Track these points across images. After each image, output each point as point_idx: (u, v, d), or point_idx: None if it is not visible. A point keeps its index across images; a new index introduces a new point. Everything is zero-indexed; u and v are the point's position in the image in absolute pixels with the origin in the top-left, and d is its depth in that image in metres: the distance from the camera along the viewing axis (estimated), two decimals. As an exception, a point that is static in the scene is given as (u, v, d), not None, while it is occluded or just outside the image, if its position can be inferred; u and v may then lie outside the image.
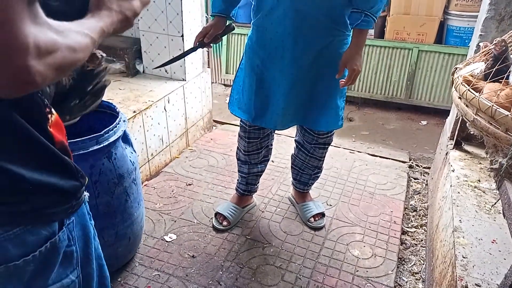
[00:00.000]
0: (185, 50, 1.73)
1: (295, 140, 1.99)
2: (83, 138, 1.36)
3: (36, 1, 0.47)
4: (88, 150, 1.37)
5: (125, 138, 1.57)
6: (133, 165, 1.57)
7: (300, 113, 1.73)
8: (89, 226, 0.81)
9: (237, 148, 1.99)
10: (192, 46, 1.71)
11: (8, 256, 0.63)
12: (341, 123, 1.77)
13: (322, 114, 1.72)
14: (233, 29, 1.70)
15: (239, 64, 1.79)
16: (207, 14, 2.77)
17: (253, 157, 1.94)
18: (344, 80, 1.58)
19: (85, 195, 0.75)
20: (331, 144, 1.93)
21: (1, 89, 0.47)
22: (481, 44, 1.56)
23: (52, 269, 0.70)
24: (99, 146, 1.39)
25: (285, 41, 1.56)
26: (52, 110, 0.67)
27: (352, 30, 1.59)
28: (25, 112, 0.59)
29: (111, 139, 1.43)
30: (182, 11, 2.41)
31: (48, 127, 0.65)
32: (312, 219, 2.02)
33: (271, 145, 1.98)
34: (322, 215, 2.05)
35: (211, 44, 1.71)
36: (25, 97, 0.53)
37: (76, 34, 0.55)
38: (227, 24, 1.68)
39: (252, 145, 1.89)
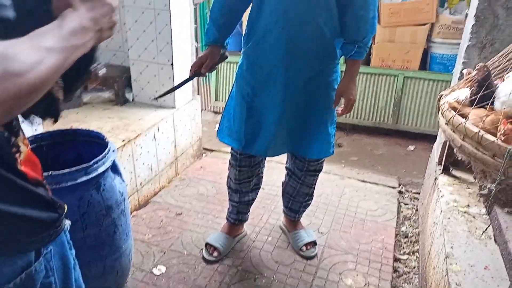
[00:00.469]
0: (181, 81, 1.75)
1: (286, 167, 1.99)
2: (71, 169, 1.33)
3: None
4: (77, 182, 1.34)
5: (114, 168, 1.55)
6: (122, 196, 1.54)
7: (291, 140, 1.74)
8: (69, 256, 0.78)
9: (228, 176, 1.97)
10: (188, 76, 1.73)
11: None
12: (332, 150, 1.78)
13: (313, 141, 1.72)
14: (227, 57, 1.72)
15: (230, 92, 1.81)
16: (197, 43, 2.81)
17: (244, 186, 1.92)
18: (340, 109, 1.63)
19: (65, 224, 0.72)
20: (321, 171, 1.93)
21: None
22: (464, 71, 1.59)
23: None
24: (88, 177, 1.36)
25: (276, 68, 1.59)
26: (21, 148, 0.65)
27: (344, 60, 1.63)
28: None
29: (100, 170, 1.41)
30: (172, 40, 2.44)
31: (18, 166, 0.62)
32: (304, 248, 1.99)
33: (262, 173, 1.97)
34: (314, 243, 2.02)
35: (206, 74, 1.72)
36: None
37: (20, 52, 0.45)
38: (221, 52, 1.70)
39: (243, 173, 1.88)
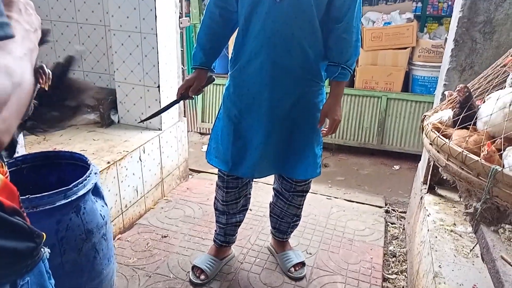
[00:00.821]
0: (168, 103, 1.75)
1: (273, 188, 1.99)
2: (50, 192, 1.30)
3: None
4: (55, 205, 1.30)
5: (96, 191, 1.52)
6: (103, 219, 1.51)
7: (278, 162, 1.74)
8: (48, 286, 0.74)
9: (215, 198, 1.96)
10: (175, 99, 1.73)
11: None
12: (319, 170, 1.79)
13: (300, 162, 1.73)
14: (214, 80, 1.74)
15: (217, 114, 1.81)
16: (183, 66, 2.83)
17: (231, 207, 1.91)
18: (325, 130, 1.65)
19: (43, 253, 0.69)
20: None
21: None
22: (446, 93, 1.64)
23: None
24: (67, 201, 1.33)
25: (262, 91, 1.60)
26: None
27: (329, 82, 1.66)
28: None
29: (80, 193, 1.37)
30: (158, 62, 2.45)
31: None
32: (292, 269, 1.97)
33: (250, 194, 1.96)
34: (302, 264, 2.00)
35: (193, 96, 1.73)
36: None
37: (14, 63, 0.46)
38: (208, 75, 1.71)
39: (230, 195, 1.87)
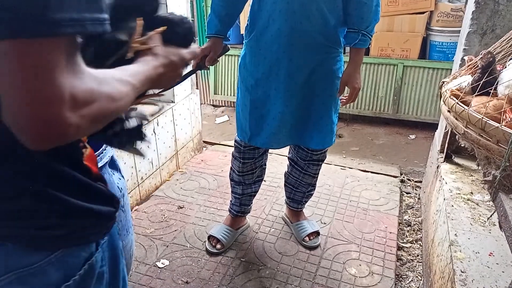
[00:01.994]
0: (183, 74, 1.72)
1: (288, 157, 1.98)
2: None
3: (77, 51, 0.47)
4: None
5: (113, 164, 1.53)
6: (121, 191, 1.53)
7: (297, 131, 1.73)
8: (119, 245, 0.80)
9: (231, 168, 1.96)
10: (191, 69, 1.70)
11: (50, 282, 0.61)
12: (334, 138, 1.77)
13: (318, 131, 1.71)
14: (229, 49, 1.68)
15: (237, 85, 1.79)
16: (194, 36, 2.79)
17: (247, 178, 1.92)
18: (345, 98, 1.63)
19: (117, 215, 0.75)
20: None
21: (32, 141, 0.45)
22: (465, 58, 1.58)
23: None
24: None
25: (280, 58, 1.57)
26: (86, 144, 0.68)
27: (349, 49, 1.63)
28: (63, 149, 0.57)
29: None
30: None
31: (83, 161, 0.65)
32: (307, 238, 1.99)
33: (265, 164, 1.96)
34: (317, 233, 2.02)
35: (209, 66, 1.70)
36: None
37: (117, 82, 0.54)
38: (223, 44, 1.67)
39: (246, 166, 1.87)
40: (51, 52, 0.43)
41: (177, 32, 0.75)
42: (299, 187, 1.98)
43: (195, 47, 0.79)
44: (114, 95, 0.52)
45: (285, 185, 2.05)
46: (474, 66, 1.43)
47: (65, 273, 0.63)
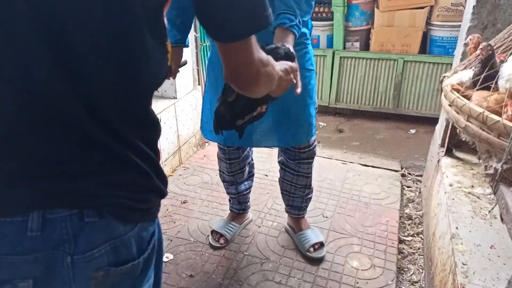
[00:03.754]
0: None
1: (278, 162, 1.94)
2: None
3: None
4: None
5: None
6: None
7: (276, 130, 1.67)
8: (159, 224, 0.84)
9: (219, 170, 1.95)
10: None
11: (132, 254, 0.67)
12: (314, 131, 1.73)
13: (296, 126, 1.66)
14: (186, 63, 1.63)
15: (204, 87, 1.76)
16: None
17: (238, 177, 1.92)
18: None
19: None
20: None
21: (245, 84, 0.77)
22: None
23: (149, 267, 0.74)
24: None
25: None
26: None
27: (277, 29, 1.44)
28: (152, 135, 0.71)
29: None
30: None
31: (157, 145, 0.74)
32: (311, 249, 1.91)
33: (252, 160, 1.97)
34: (321, 244, 1.94)
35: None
36: (156, 121, 0.70)
37: (272, 67, 0.81)
38: (183, 60, 1.61)
39: (234, 165, 1.87)
40: (255, 45, 0.71)
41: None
42: (296, 192, 1.92)
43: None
44: (272, 72, 0.80)
45: (281, 192, 1.99)
46: (475, 59, 1.44)
47: (139, 246, 0.69)
